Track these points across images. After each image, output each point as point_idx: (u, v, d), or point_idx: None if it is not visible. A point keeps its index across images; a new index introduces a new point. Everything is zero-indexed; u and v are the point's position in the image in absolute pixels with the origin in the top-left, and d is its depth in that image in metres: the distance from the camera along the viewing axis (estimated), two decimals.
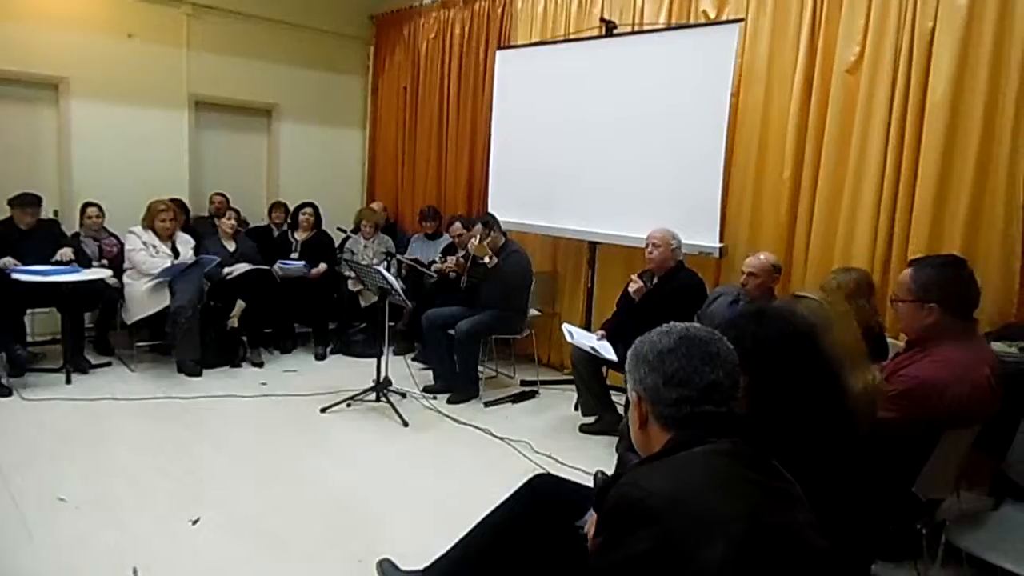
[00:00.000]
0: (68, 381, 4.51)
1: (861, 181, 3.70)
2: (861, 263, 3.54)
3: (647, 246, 4.02)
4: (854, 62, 3.72)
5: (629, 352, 1.39)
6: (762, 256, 3.55)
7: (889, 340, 3.08)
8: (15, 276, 4.34)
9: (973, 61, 3.30)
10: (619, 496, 1.21)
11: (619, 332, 3.99)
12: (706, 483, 1.18)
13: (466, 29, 6.11)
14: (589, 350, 4.01)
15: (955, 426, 2.13)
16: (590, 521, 1.73)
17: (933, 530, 2.29)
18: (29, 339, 4.89)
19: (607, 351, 3.90)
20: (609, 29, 4.83)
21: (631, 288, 4.02)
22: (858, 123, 3.70)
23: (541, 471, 2.68)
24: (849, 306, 2.88)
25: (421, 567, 2.10)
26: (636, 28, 4.76)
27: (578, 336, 4.17)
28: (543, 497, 1.97)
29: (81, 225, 5.30)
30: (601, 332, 4.14)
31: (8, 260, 4.49)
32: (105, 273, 4.80)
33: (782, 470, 1.27)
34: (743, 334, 1.55)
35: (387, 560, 2.22)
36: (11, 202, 4.60)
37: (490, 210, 5.29)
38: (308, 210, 5.80)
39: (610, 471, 3.07)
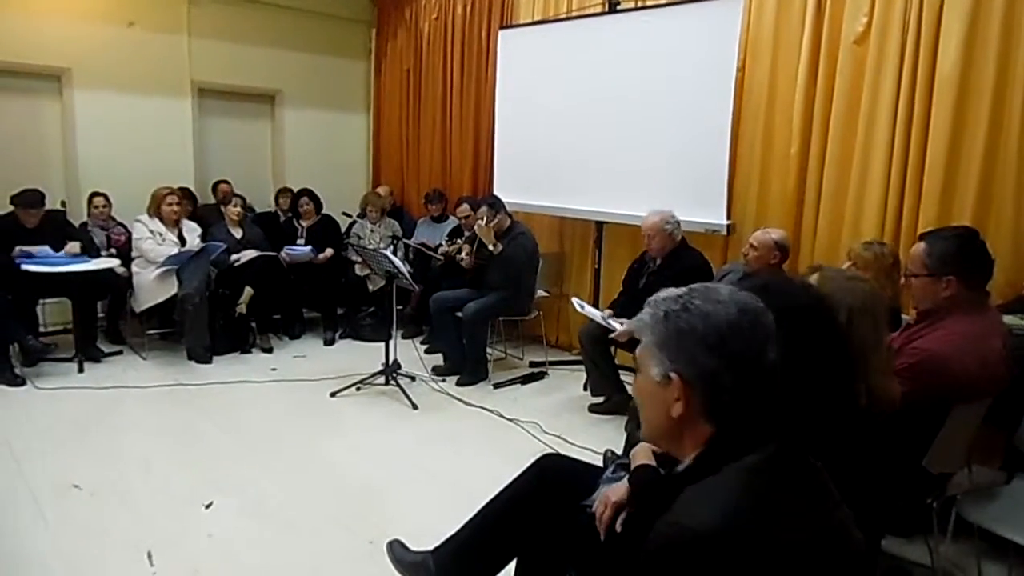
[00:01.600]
0: (80, 370, 4.55)
1: (870, 155, 3.65)
2: (871, 237, 3.50)
3: (643, 237, 4.00)
4: (862, 33, 3.65)
5: (659, 322, 1.13)
6: (768, 231, 3.54)
7: (904, 317, 3.06)
8: (26, 267, 4.37)
9: (983, 30, 3.24)
10: (663, 541, 1.04)
11: (625, 312, 3.98)
12: (757, 510, 1.01)
13: (468, 9, 6.05)
14: (600, 320, 4.00)
15: (966, 399, 2.12)
16: (599, 500, 1.74)
17: (944, 504, 2.28)
18: (41, 329, 4.93)
19: (615, 325, 3.90)
20: (612, 5, 4.77)
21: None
22: (866, 96, 3.64)
23: (551, 452, 2.68)
24: (885, 279, 2.86)
25: (431, 548, 2.10)
26: (639, 3, 4.70)
27: (587, 308, 4.17)
28: (551, 477, 1.96)
29: (89, 215, 5.31)
30: (609, 311, 4.12)
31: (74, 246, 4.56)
32: (114, 262, 4.82)
33: (818, 466, 1.16)
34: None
35: (397, 541, 2.23)
36: (14, 201, 4.61)
37: (495, 191, 5.26)
38: (305, 199, 5.75)
39: (619, 450, 3.08)
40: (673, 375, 1.11)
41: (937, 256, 2.16)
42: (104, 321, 5.30)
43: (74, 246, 4.65)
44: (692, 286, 1.16)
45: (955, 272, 2.12)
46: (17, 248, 4.50)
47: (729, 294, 1.13)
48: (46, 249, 4.56)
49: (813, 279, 1.89)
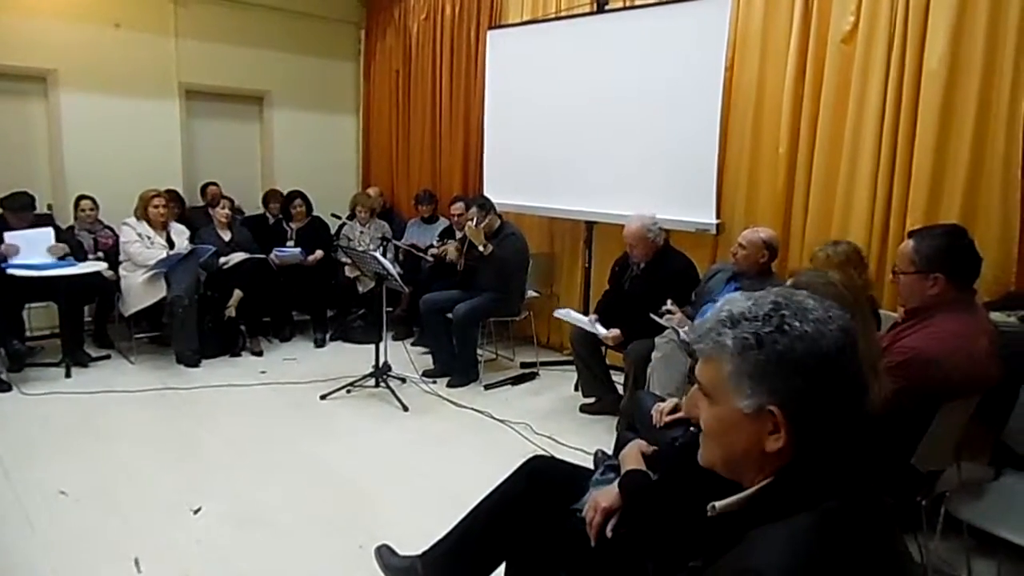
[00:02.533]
0: (68, 375, 4.51)
1: (858, 153, 3.65)
2: (859, 236, 3.51)
3: (626, 245, 4.00)
4: (849, 32, 3.66)
5: (749, 348, 0.96)
6: (756, 230, 3.54)
7: (884, 312, 3.07)
8: (11, 271, 4.32)
9: (969, 27, 3.24)
10: None
11: (610, 315, 3.98)
12: (836, 559, 0.90)
13: (457, 9, 6.03)
14: (587, 326, 4.01)
15: (954, 397, 2.12)
16: (589, 505, 1.73)
17: (933, 502, 2.29)
18: (28, 333, 4.89)
19: (600, 330, 3.91)
20: (600, 5, 4.77)
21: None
22: (854, 94, 3.64)
23: (541, 453, 2.68)
24: (840, 276, 2.87)
25: (419, 552, 2.09)
26: (627, 3, 4.69)
27: (574, 316, 4.17)
28: (540, 479, 1.96)
29: (75, 218, 5.27)
30: (595, 316, 4.12)
31: (8, 246, 4.47)
32: (101, 266, 4.78)
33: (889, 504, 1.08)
34: None
35: (385, 546, 2.22)
36: (3, 204, 4.57)
37: (485, 192, 5.25)
38: (298, 201, 5.75)
39: (610, 451, 3.07)
40: (773, 408, 0.96)
41: (925, 254, 2.16)
42: (92, 325, 5.26)
43: (59, 247, 4.61)
44: (776, 298, 1.00)
45: (943, 270, 2.12)
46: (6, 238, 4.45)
47: (824, 309, 0.99)
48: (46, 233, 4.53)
49: (788, 283, 1.89)
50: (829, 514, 0.92)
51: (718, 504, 1.05)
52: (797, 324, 0.96)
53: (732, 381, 0.99)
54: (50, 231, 4.64)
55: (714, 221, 4.17)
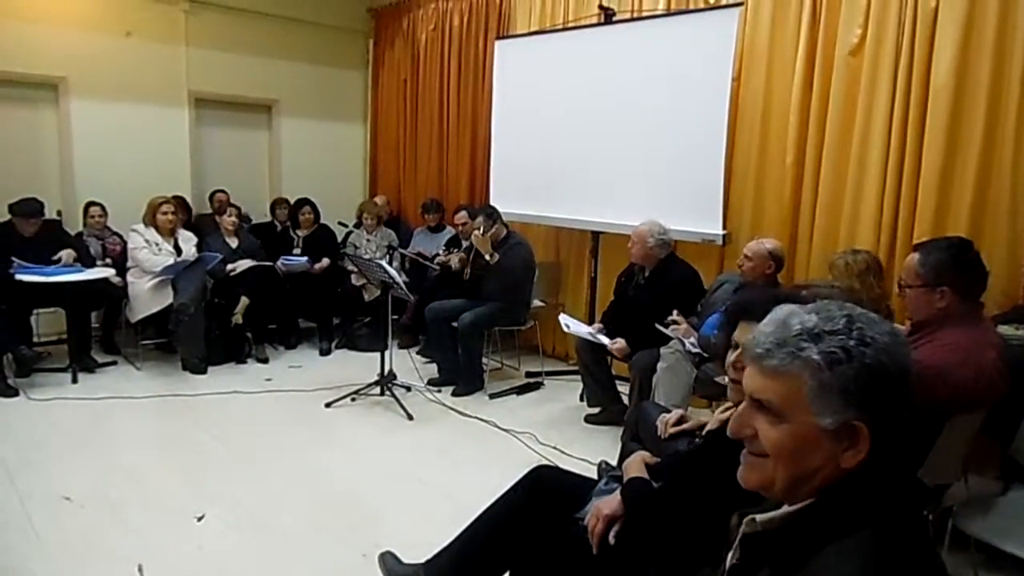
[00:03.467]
0: (74, 380, 4.53)
1: (865, 165, 3.65)
2: (866, 247, 3.50)
3: (629, 242, 4.01)
4: (856, 44, 3.67)
5: (834, 362, 0.93)
6: (761, 241, 3.53)
7: (896, 326, 3.05)
8: (20, 277, 4.35)
9: (977, 41, 3.25)
10: None
11: (615, 326, 3.98)
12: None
13: (465, 20, 6.07)
14: (588, 336, 4.01)
15: (961, 410, 2.11)
16: (591, 513, 1.72)
17: (940, 516, 2.27)
18: (35, 339, 4.91)
19: (603, 340, 3.90)
20: (608, 16, 4.78)
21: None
22: (861, 106, 3.65)
23: (546, 462, 2.67)
24: (859, 285, 2.86)
25: (423, 560, 2.09)
26: (635, 14, 4.71)
27: (575, 327, 4.16)
28: (543, 488, 1.95)
29: (84, 225, 5.31)
30: (599, 325, 4.12)
31: (66, 253, 4.57)
32: (108, 272, 4.80)
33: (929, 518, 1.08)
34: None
35: (389, 553, 2.22)
36: (12, 210, 4.60)
37: (492, 201, 5.26)
38: (307, 208, 5.79)
39: (614, 461, 3.06)
40: (858, 423, 0.93)
41: (931, 267, 2.15)
42: (99, 331, 5.28)
43: (69, 254, 4.64)
44: (844, 310, 0.97)
45: (949, 283, 2.11)
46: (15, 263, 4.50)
47: (881, 320, 0.97)
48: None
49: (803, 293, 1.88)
50: (885, 532, 0.90)
51: (759, 518, 1.02)
52: (877, 336, 0.94)
53: (815, 397, 0.94)
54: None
55: (720, 232, 4.16)
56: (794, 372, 0.96)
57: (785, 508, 1.01)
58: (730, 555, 1.09)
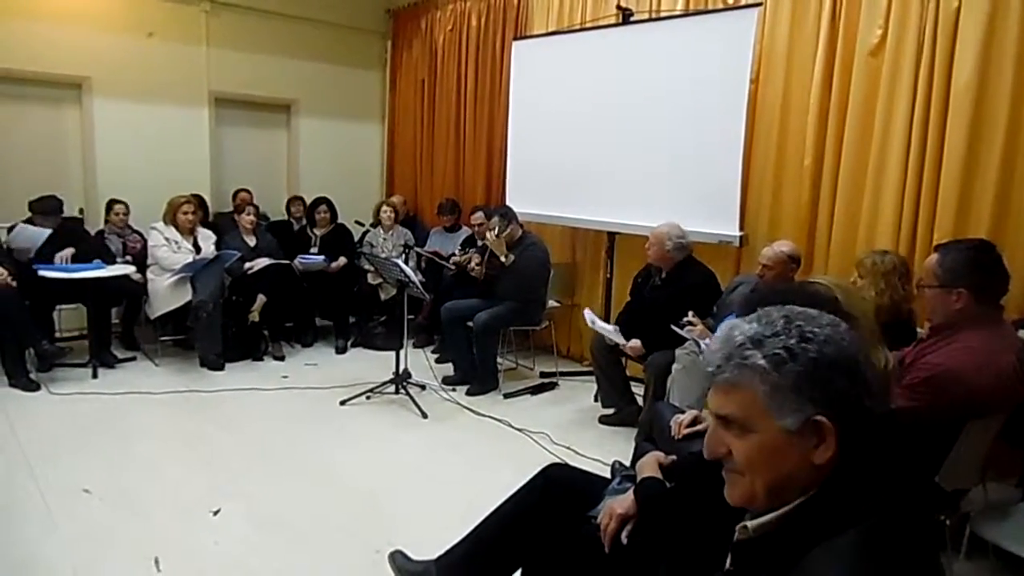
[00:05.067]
0: (94, 375, 4.59)
1: (884, 167, 3.61)
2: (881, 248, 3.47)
3: (647, 243, 4.00)
4: (876, 45, 3.63)
5: (781, 363, 0.96)
6: (776, 246, 3.48)
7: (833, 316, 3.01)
8: (42, 273, 4.42)
9: (1000, 42, 3.20)
10: None
11: (631, 327, 3.97)
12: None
13: (483, 20, 6.09)
14: (611, 335, 3.99)
15: (980, 415, 2.08)
16: (604, 512, 1.72)
17: (958, 522, 2.24)
18: (57, 335, 4.99)
19: (621, 340, 3.90)
20: (626, 16, 4.77)
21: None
22: (881, 108, 3.61)
23: (556, 462, 2.66)
24: (884, 285, 2.84)
25: (434, 557, 2.09)
26: (653, 15, 4.70)
27: (599, 323, 4.15)
28: (556, 487, 1.95)
29: (106, 222, 5.37)
30: (616, 327, 4.10)
31: (67, 252, 4.62)
32: (128, 269, 4.86)
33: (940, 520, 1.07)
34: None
35: (399, 551, 2.23)
36: (32, 207, 4.67)
37: (508, 202, 5.26)
38: (323, 207, 5.82)
39: (628, 462, 3.05)
40: (820, 418, 0.94)
41: (948, 267, 2.13)
42: (119, 327, 5.34)
43: (68, 253, 4.69)
44: (782, 312, 1.01)
45: (967, 284, 2.09)
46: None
47: (817, 313, 1.00)
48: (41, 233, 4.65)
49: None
50: (874, 531, 0.90)
51: (751, 524, 1.02)
52: (817, 330, 0.97)
53: (770, 401, 0.96)
54: (45, 232, 4.67)
55: (737, 233, 4.14)
56: (745, 381, 0.98)
57: (774, 512, 1.01)
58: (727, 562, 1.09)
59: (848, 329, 0.99)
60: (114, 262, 4.92)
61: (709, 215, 4.17)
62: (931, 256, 2.26)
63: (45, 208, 4.66)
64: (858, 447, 0.95)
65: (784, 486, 0.99)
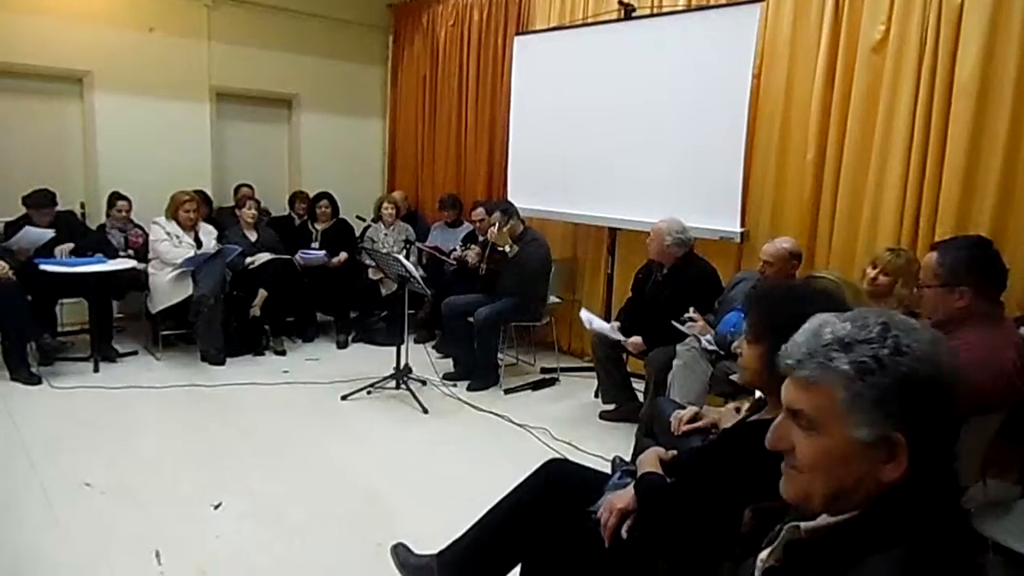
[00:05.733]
0: (96, 369, 4.60)
1: (886, 163, 3.61)
2: (887, 245, 3.46)
3: (648, 239, 3.99)
4: (879, 41, 3.62)
5: (866, 372, 0.90)
6: (777, 243, 3.47)
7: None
8: (44, 267, 4.42)
9: (1003, 38, 3.20)
10: None
11: (632, 323, 3.97)
12: None
13: (484, 15, 6.07)
14: (609, 334, 4.00)
15: (981, 412, 2.08)
16: (604, 507, 1.73)
17: None
18: (58, 329, 4.99)
19: (622, 337, 3.90)
20: (628, 12, 4.76)
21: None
22: (883, 104, 3.61)
23: (557, 457, 2.67)
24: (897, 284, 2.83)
25: (436, 551, 2.10)
26: (655, 10, 4.69)
27: (596, 323, 4.15)
28: (556, 482, 1.96)
29: (108, 216, 5.37)
30: (616, 324, 4.10)
31: (66, 247, 4.61)
32: (130, 263, 4.86)
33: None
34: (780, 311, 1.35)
35: (401, 544, 2.23)
36: (25, 202, 4.67)
37: (509, 197, 5.27)
38: (324, 202, 5.83)
39: (629, 457, 3.06)
40: (895, 436, 0.89)
41: (949, 266, 2.13)
42: (121, 321, 5.34)
43: (66, 247, 4.70)
44: (881, 318, 0.94)
45: (968, 283, 2.09)
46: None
47: (923, 327, 0.92)
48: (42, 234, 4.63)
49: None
50: (926, 547, 0.88)
51: (804, 525, 1.00)
52: (915, 344, 0.90)
53: (848, 408, 0.91)
54: (49, 233, 4.66)
55: (739, 229, 4.14)
56: (825, 383, 0.93)
57: (827, 518, 0.98)
58: (766, 555, 1.08)
59: (948, 348, 0.92)
60: (116, 256, 4.92)
61: (710, 211, 4.17)
62: (930, 255, 2.24)
63: (38, 202, 4.65)
64: (928, 466, 0.91)
65: (843, 495, 0.95)
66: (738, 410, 2.24)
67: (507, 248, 4.55)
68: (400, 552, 2.21)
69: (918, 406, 0.89)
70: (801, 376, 0.96)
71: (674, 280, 3.90)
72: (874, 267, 2.96)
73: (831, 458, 0.94)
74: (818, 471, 0.96)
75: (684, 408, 2.46)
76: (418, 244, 5.70)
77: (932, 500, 0.90)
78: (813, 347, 0.95)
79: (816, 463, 0.96)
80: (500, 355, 4.81)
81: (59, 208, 4.84)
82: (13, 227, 4.64)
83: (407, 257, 4.78)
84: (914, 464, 0.90)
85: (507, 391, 4.58)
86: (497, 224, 4.62)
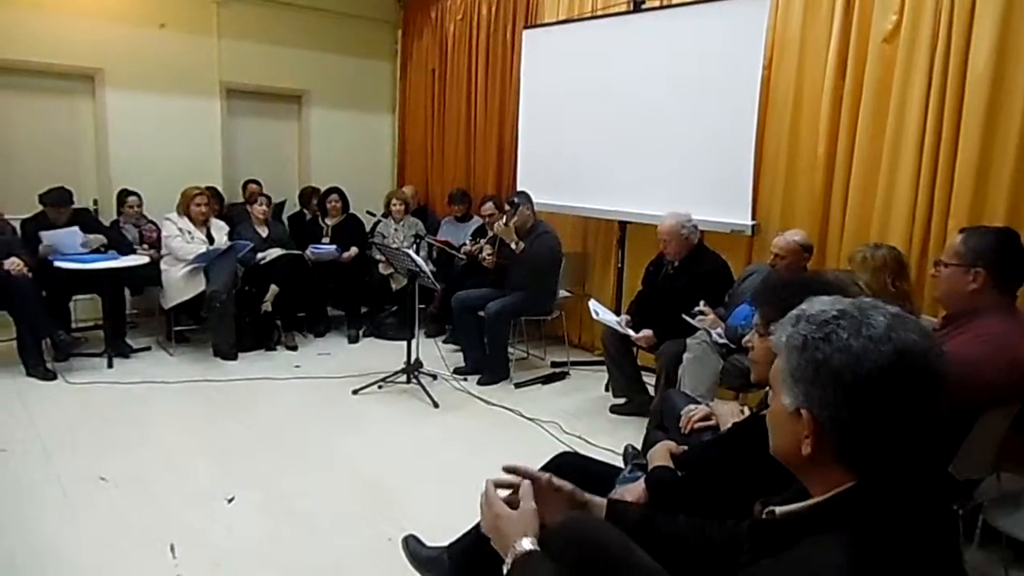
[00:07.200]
0: (110, 365, 4.64)
1: (899, 155, 3.57)
2: (898, 240, 3.43)
3: (660, 241, 3.97)
4: (891, 31, 3.58)
5: (795, 348, 0.98)
6: (788, 235, 3.45)
7: (925, 317, 2.99)
8: (58, 264, 4.47)
9: (1017, 28, 3.15)
10: None
11: (643, 316, 3.96)
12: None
13: (493, 9, 6.07)
14: (616, 326, 4.00)
15: (994, 404, 2.07)
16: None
17: (971, 511, 2.23)
18: (73, 325, 5.04)
19: (630, 332, 3.89)
20: (637, 4, 4.74)
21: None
22: (895, 96, 3.57)
23: (567, 450, 2.68)
24: (872, 280, 2.81)
25: (447, 544, 2.11)
26: (664, 2, 4.67)
27: (603, 314, 4.15)
28: (567, 475, 1.95)
29: (120, 213, 5.42)
30: (626, 317, 4.09)
31: (46, 247, 4.60)
32: (144, 259, 4.89)
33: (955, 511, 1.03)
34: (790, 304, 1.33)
35: (412, 536, 2.25)
36: (42, 200, 4.71)
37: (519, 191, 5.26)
38: (335, 196, 5.85)
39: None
40: (804, 412, 0.97)
41: (971, 247, 2.12)
42: (135, 317, 5.39)
43: (96, 239, 4.74)
44: (844, 308, 0.98)
45: (985, 266, 2.08)
46: (43, 239, 4.59)
47: (887, 328, 0.93)
48: (73, 232, 4.66)
49: None
50: (892, 525, 0.90)
51: (778, 509, 1.04)
52: (844, 336, 0.94)
53: (781, 376, 1.01)
54: (76, 229, 4.73)
55: (749, 222, 4.12)
56: (778, 350, 1.04)
57: (797, 505, 1.03)
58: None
59: (897, 351, 0.91)
60: (133, 251, 4.97)
61: (721, 204, 4.16)
62: (956, 236, 2.24)
63: (55, 200, 4.69)
64: (875, 464, 0.94)
65: (788, 461, 1.03)
66: (743, 411, 2.23)
67: (513, 245, 4.55)
68: (411, 544, 2.23)
69: (825, 392, 0.94)
70: (772, 338, 1.09)
71: (685, 273, 3.89)
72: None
73: (773, 418, 1.06)
74: (772, 429, 1.07)
75: (695, 401, 2.46)
76: (428, 239, 5.71)
77: (882, 494, 0.92)
78: (784, 319, 1.05)
79: (769, 421, 1.08)
80: (510, 349, 4.82)
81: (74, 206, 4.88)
82: (32, 224, 4.69)
83: (417, 252, 4.79)
84: (847, 454, 0.95)
85: (517, 385, 4.59)
86: (505, 218, 4.61)
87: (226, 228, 5.20)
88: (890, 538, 0.89)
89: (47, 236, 4.61)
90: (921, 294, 3.37)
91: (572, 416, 4.04)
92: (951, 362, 1.99)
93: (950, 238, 2.29)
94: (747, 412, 2.18)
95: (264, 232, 5.41)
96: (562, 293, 5.07)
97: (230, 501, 2.94)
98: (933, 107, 3.43)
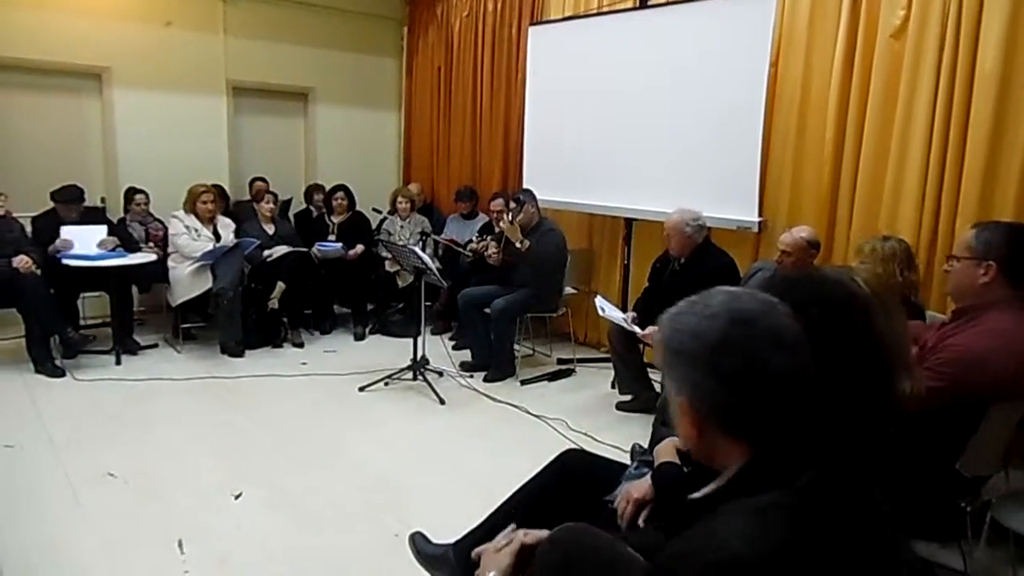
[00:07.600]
0: (118, 362, 4.66)
1: (906, 151, 3.56)
2: (906, 236, 3.39)
3: (664, 235, 3.96)
4: (899, 27, 3.57)
5: (660, 344, 1.05)
6: (795, 232, 3.43)
7: (931, 313, 2.98)
8: (66, 261, 4.49)
9: None
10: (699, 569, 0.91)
11: (648, 314, 3.95)
12: (794, 539, 0.89)
13: (498, 5, 6.06)
14: (622, 323, 3.99)
15: (1003, 399, 2.06)
16: (621, 496, 1.73)
17: (979, 509, 2.22)
18: (81, 322, 5.06)
19: (636, 328, 3.88)
20: (643, 0, 4.73)
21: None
22: (903, 92, 3.55)
23: (573, 447, 2.67)
24: (881, 271, 2.80)
25: (453, 541, 2.11)
26: None
27: (609, 311, 4.14)
28: (573, 472, 1.96)
29: (127, 211, 5.44)
30: (632, 314, 4.08)
31: (64, 240, 4.62)
32: (151, 257, 4.91)
33: (879, 498, 1.02)
34: (801, 297, 1.20)
35: (419, 533, 2.25)
36: (54, 197, 4.73)
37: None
38: (340, 194, 5.84)
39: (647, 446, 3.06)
40: (680, 399, 1.03)
41: (984, 241, 2.11)
42: (143, 314, 5.41)
43: (110, 240, 4.77)
44: (692, 297, 1.05)
45: (998, 259, 2.06)
46: (63, 233, 4.62)
47: (722, 303, 1.00)
48: (96, 230, 4.70)
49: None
50: (789, 490, 0.94)
51: (698, 494, 1.08)
52: (687, 320, 1.01)
53: (662, 375, 1.08)
54: (103, 228, 4.79)
55: (756, 219, 4.10)
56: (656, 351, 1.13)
57: (712, 484, 1.06)
58: None
59: (732, 320, 0.97)
60: (139, 249, 4.99)
61: (728, 200, 4.14)
62: (968, 230, 2.23)
63: (67, 197, 4.72)
64: (764, 438, 0.98)
65: (687, 444, 1.09)
66: None
67: (519, 244, 4.55)
68: (417, 541, 2.23)
69: (692, 376, 0.99)
70: None
71: (692, 269, 3.87)
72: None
73: (676, 416, 1.07)
74: (677, 427, 1.09)
75: None
76: (434, 236, 5.71)
77: (777, 461, 0.97)
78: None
79: (673, 420, 1.10)
80: (516, 346, 4.81)
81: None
82: (43, 222, 4.71)
83: (423, 249, 4.79)
84: (734, 431, 1.00)
85: (523, 382, 4.59)
86: (510, 216, 4.61)
87: (232, 226, 5.21)
88: (788, 502, 0.92)
89: (67, 231, 4.63)
90: (929, 291, 3.36)
91: (578, 413, 4.04)
92: (960, 356, 2.00)
93: (959, 234, 2.27)
94: None
95: (271, 229, 5.43)
96: (568, 290, 5.07)
97: (237, 497, 2.95)
98: (941, 104, 3.41)
